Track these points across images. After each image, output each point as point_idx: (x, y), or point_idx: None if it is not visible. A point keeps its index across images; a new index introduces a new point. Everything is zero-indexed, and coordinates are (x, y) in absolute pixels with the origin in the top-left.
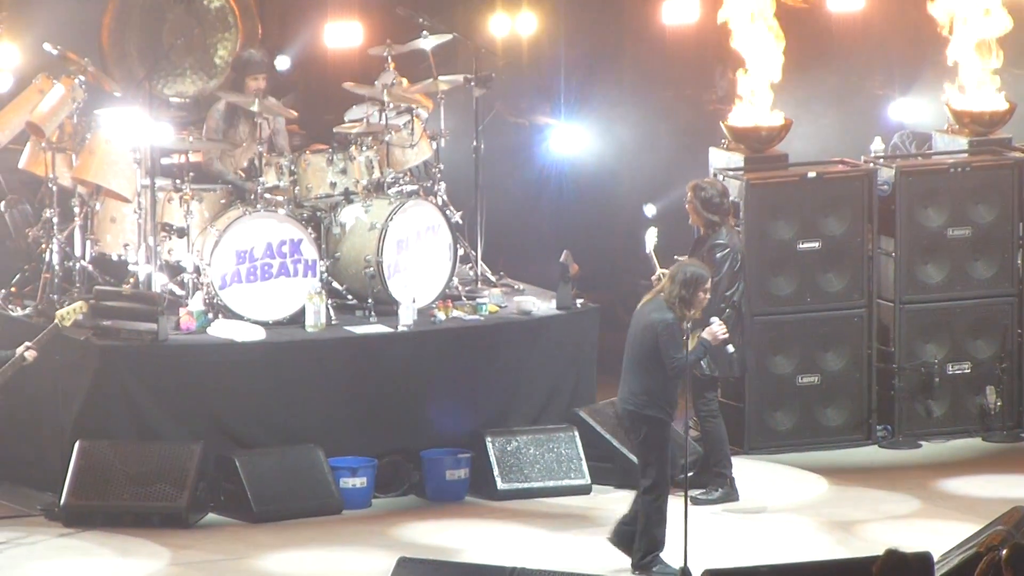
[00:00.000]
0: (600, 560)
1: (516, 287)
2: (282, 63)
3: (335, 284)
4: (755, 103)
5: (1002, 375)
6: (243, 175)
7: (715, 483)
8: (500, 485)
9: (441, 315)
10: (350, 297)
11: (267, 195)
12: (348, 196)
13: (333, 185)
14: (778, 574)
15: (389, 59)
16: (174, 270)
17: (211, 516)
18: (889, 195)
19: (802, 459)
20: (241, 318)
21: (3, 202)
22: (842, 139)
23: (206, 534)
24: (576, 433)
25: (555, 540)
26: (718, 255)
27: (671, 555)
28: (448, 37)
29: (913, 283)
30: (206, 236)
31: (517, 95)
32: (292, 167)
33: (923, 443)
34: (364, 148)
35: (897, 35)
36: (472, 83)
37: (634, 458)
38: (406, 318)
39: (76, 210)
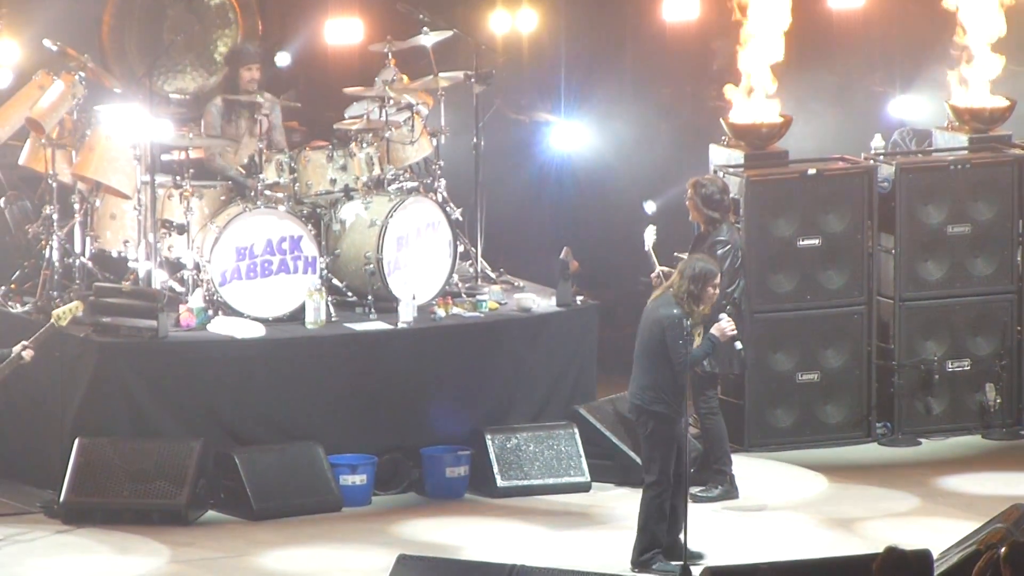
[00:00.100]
0: (600, 557)
1: (516, 284)
2: (282, 59)
3: (335, 281)
4: (755, 99)
5: (1001, 372)
6: (243, 171)
7: (715, 480)
8: (500, 482)
9: (441, 312)
10: (350, 294)
11: (267, 192)
12: (348, 193)
13: (333, 182)
14: (778, 572)
15: (389, 55)
16: (174, 267)
17: (210, 513)
18: (889, 192)
19: (802, 456)
20: (241, 315)
21: (3, 198)
22: (842, 136)
23: (205, 531)
24: (576, 430)
25: (555, 537)
26: (719, 252)
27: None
28: (448, 34)
29: (913, 280)
30: (206, 233)
31: (517, 92)
32: (292, 164)
33: (923, 440)
34: (364, 145)
35: (897, 32)
36: (472, 80)
37: (634, 455)
38: (406, 315)
39: (76, 207)
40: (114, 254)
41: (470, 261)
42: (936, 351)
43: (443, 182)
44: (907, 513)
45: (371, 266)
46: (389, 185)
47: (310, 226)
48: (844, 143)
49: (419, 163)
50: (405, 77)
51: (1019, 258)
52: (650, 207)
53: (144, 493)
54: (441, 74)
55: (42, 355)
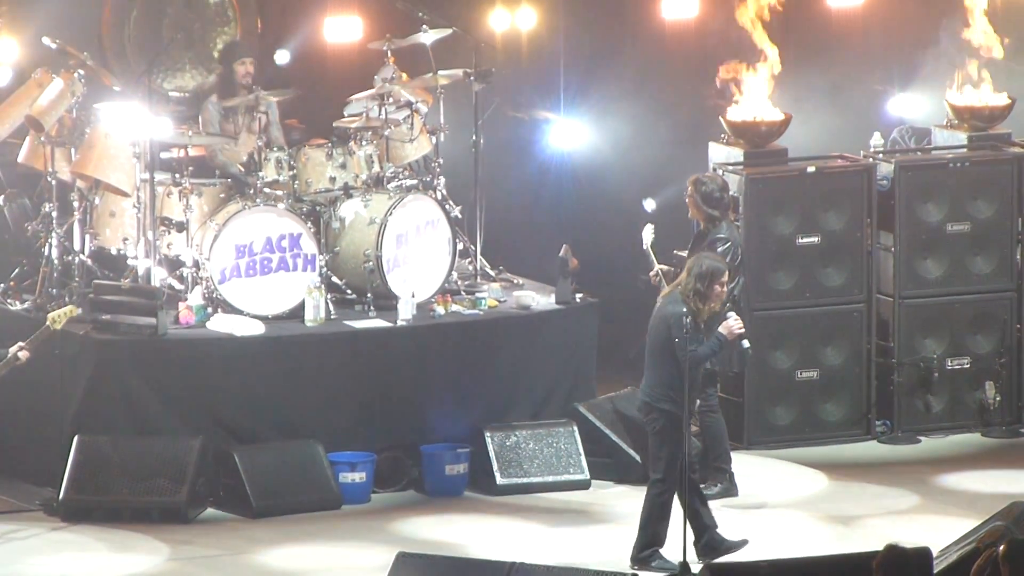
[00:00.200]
0: (599, 555)
1: (515, 282)
2: (282, 57)
3: (334, 278)
4: (754, 98)
5: (1001, 370)
6: (242, 169)
7: (715, 478)
8: (499, 480)
9: (440, 310)
10: (349, 292)
11: (266, 189)
12: (347, 191)
13: (332, 180)
14: (778, 570)
15: (389, 54)
16: (173, 264)
17: (210, 511)
18: (888, 190)
19: (801, 454)
20: (240, 312)
21: (2, 196)
22: (841, 134)
23: (205, 529)
24: (575, 428)
25: (554, 535)
26: (719, 249)
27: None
28: (448, 32)
29: (912, 278)
30: (205, 230)
31: (517, 90)
32: (291, 162)
33: (922, 438)
34: (363, 143)
35: (896, 30)
36: (472, 78)
37: (633, 452)
38: (405, 313)
39: (75, 204)
40: (113, 252)
41: (469, 259)
42: (936, 349)
43: (442, 180)
44: (907, 511)
45: (370, 264)
46: (388, 183)
47: (309, 224)
48: (843, 141)
49: (418, 161)
50: (404, 75)
51: (1018, 256)
52: (649, 205)
53: (144, 491)
54: (440, 72)
55: (38, 356)
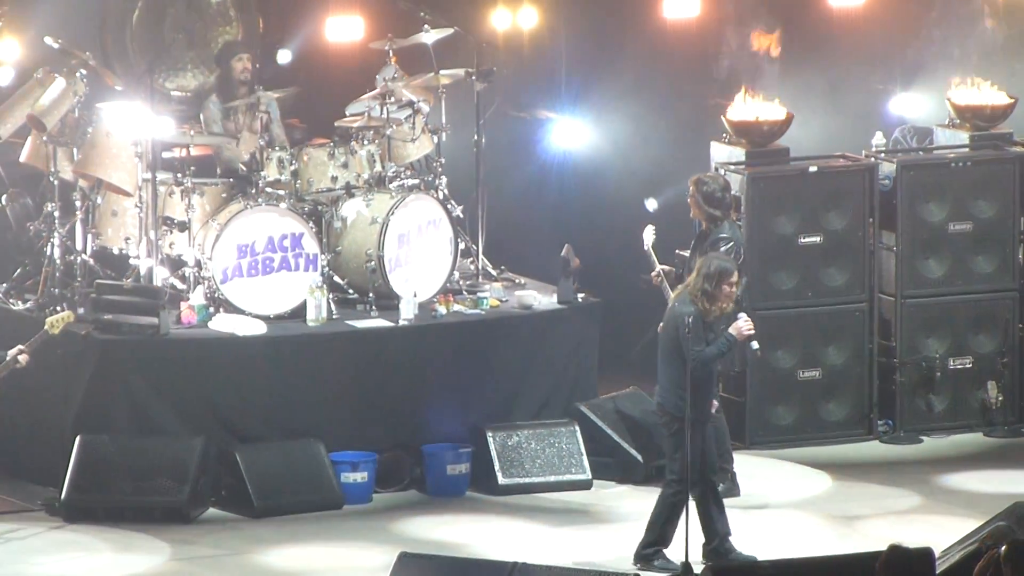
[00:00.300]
0: (601, 555)
1: (517, 281)
2: (284, 57)
3: (336, 278)
4: (756, 97)
5: (1003, 370)
6: (244, 168)
7: (717, 478)
8: (501, 480)
9: (442, 309)
10: (351, 291)
11: (268, 189)
12: (349, 190)
13: (334, 179)
14: (779, 570)
15: (390, 53)
16: (175, 264)
17: (212, 511)
18: (890, 189)
19: (803, 454)
20: (242, 312)
21: (4, 196)
22: (843, 134)
23: (207, 529)
24: (577, 428)
25: (556, 535)
26: (722, 249)
27: (672, 549)
28: (449, 31)
29: (914, 277)
30: (207, 230)
31: (518, 89)
32: (293, 161)
33: (924, 438)
34: (365, 142)
35: (898, 29)
36: (473, 77)
37: (635, 452)
38: (407, 312)
39: (77, 204)
40: (115, 251)
41: (471, 258)
42: (938, 348)
43: (444, 179)
44: (909, 511)
45: (372, 263)
46: (390, 182)
47: (311, 223)
48: (845, 141)
49: (420, 160)
50: (406, 75)
51: (1020, 256)
52: (651, 205)
53: (145, 490)
54: (442, 71)
55: (39, 357)
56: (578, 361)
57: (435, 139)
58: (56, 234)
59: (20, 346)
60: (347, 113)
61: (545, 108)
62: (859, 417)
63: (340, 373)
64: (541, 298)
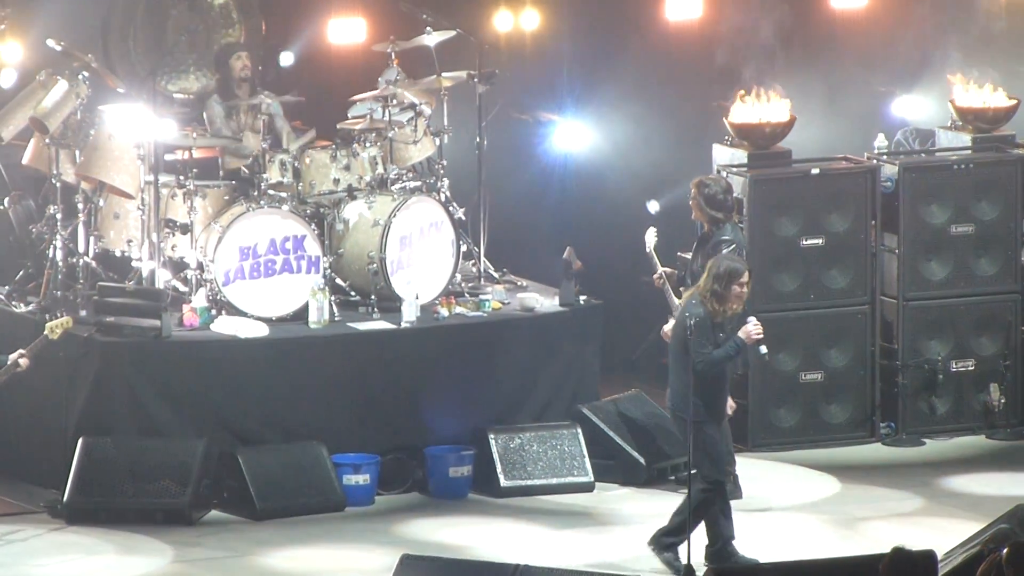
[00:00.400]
0: (603, 557)
1: (519, 283)
2: (286, 59)
3: (338, 280)
4: (758, 99)
5: (1006, 372)
6: (246, 170)
7: None
8: (503, 482)
9: (444, 312)
10: (353, 293)
11: (270, 191)
12: (351, 192)
13: (336, 181)
14: (781, 572)
15: (393, 55)
16: (177, 266)
17: (214, 513)
18: (892, 192)
19: (806, 456)
20: (244, 314)
21: (7, 198)
22: (845, 136)
23: (209, 531)
24: (579, 430)
25: (558, 537)
26: (723, 251)
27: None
28: (452, 33)
29: (916, 280)
30: (209, 232)
31: (520, 91)
32: (296, 163)
33: (927, 440)
34: (367, 144)
35: (901, 31)
36: (475, 79)
37: (637, 455)
38: (409, 315)
39: (80, 206)
40: (118, 254)
41: (473, 260)
42: (940, 351)
43: (446, 182)
44: (911, 513)
45: (374, 266)
46: (392, 185)
47: (313, 226)
48: (847, 143)
49: (422, 163)
50: (408, 77)
51: (1023, 258)
52: (653, 207)
53: (148, 493)
54: (444, 74)
55: (41, 359)
56: (580, 363)
57: (437, 141)
58: (58, 236)
59: (21, 350)
60: (349, 116)
61: (547, 110)
62: (861, 419)
63: (342, 375)
64: (543, 300)
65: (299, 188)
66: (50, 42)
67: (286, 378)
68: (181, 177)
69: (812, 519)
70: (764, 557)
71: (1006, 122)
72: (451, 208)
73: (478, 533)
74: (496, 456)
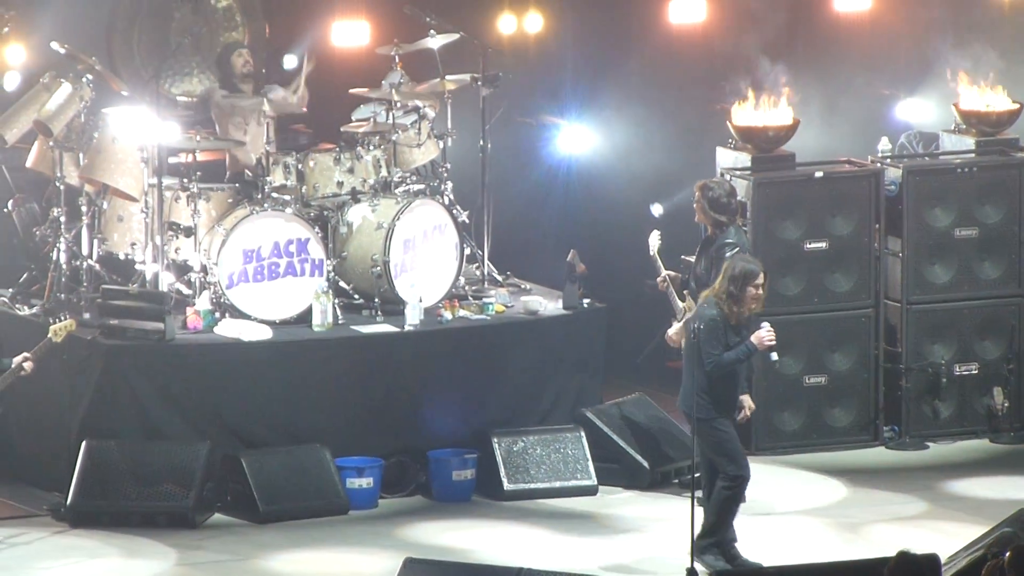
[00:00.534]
0: (606, 561)
1: (523, 287)
2: (289, 62)
3: (342, 283)
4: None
5: (1009, 376)
6: (250, 173)
7: None
8: (506, 485)
9: (448, 315)
10: (357, 296)
11: (274, 194)
12: (355, 195)
13: (340, 184)
14: None
15: (396, 58)
16: (181, 269)
17: (217, 516)
18: (896, 195)
19: (809, 460)
20: (248, 317)
21: (10, 201)
22: (849, 139)
23: (212, 534)
24: (582, 433)
25: (561, 541)
26: (727, 255)
27: (678, 555)
28: (455, 36)
29: (920, 283)
30: (213, 235)
31: (524, 95)
32: (299, 166)
33: (930, 444)
34: (371, 147)
35: (904, 35)
36: (479, 82)
37: (641, 458)
38: (413, 318)
39: (83, 209)
40: (121, 256)
41: (477, 264)
42: (944, 354)
43: (450, 185)
44: (915, 517)
45: (378, 269)
46: (396, 188)
47: (317, 228)
48: (851, 146)
49: (426, 166)
50: (412, 80)
51: None
52: (657, 210)
53: (151, 496)
54: (448, 77)
55: (45, 362)
56: (583, 367)
57: (441, 144)
58: (62, 239)
59: (25, 353)
60: (353, 118)
61: (551, 113)
62: (865, 423)
63: (346, 378)
64: (547, 303)
65: (303, 191)
66: (54, 45)
67: (290, 381)
68: (185, 180)
69: (815, 523)
70: (767, 561)
71: (1009, 125)
72: (455, 211)
73: (481, 536)
74: (499, 459)
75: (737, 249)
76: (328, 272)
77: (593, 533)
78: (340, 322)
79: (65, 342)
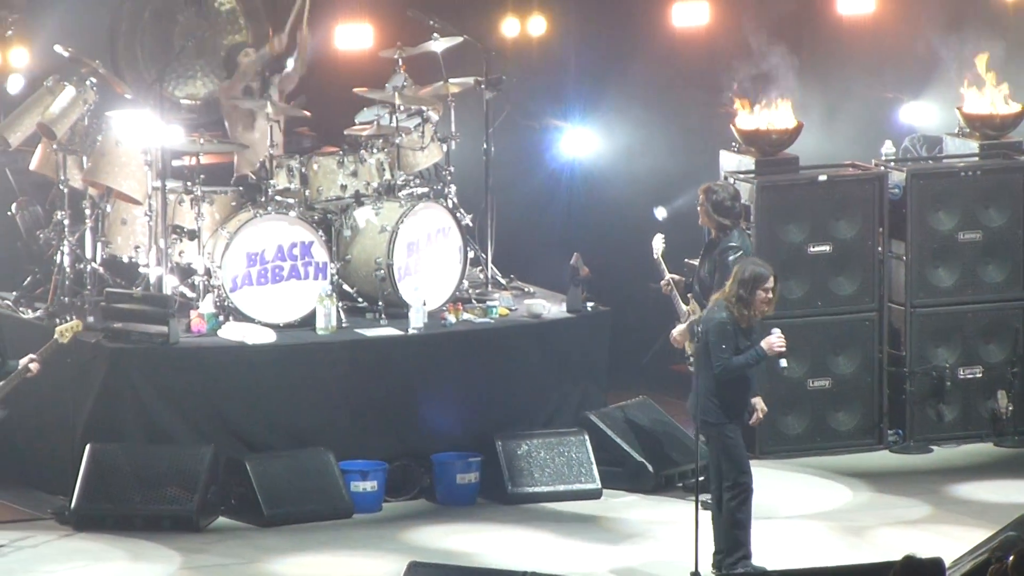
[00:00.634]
0: (610, 564)
1: (526, 290)
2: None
3: (346, 287)
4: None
5: (1013, 379)
6: (253, 176)
7: None
8: (510, 489)
9: (451, 318)
10: (360, 300)
11: (278, 197)
12: (359, 198)
13: (344, 187)
14: None
15: (400, 62)
16: (185, 272)
17: (221, 519)
18: (900, 198)
19: (813, 464)
20: (252, 321)
21: (14, 204)
22: (853, 142)
23: (216, 538)
24: (586, 437)
25: (565, 544)
26: (731, 258)
27: (682, 559)
28: (459, 40)
29: (924, 286)
30: (217, 238)
31: (527, 98)
32: (303, 169)
33: (934, 448)
34: (375, 151)
35: (908, 38)
36: (482, 86)
37: (645, 461)
38: (416, 321)
39: (87, 212)
40: (125, 260)
41: (480, 267)
42: (948, 358)
43: (453, 188)
44: (919, 521)
45: (381, 272)
46: (399, 191)
47: (321, 232)
48: (855, 149)
49: (429, 169)
50: (415, 83)
51: None
52: (660, 213)
53: (155, 499)
54: (451, 80)
55: (49, 365)
56: (587, 370)
57: (444, 148)
58: (66, 242)
59: (32, 355)
60: (356, 121)
61: (554, 116)
62: (869, 426)
63: (349, 382)
64: (550, 307)
65: (306, 194)
66: (58, 48)
67: (293, 384)
68: (188, 183)
69: (820, 526)
70: (772, 565)
71: (1013, 129)
72: (458, 214)
73: (485, 540)
74: (503, 463)
75: (741, 252)
76: (332, 275)
77: (597, 537)
78: (344, 325)
79: (70, 344)
